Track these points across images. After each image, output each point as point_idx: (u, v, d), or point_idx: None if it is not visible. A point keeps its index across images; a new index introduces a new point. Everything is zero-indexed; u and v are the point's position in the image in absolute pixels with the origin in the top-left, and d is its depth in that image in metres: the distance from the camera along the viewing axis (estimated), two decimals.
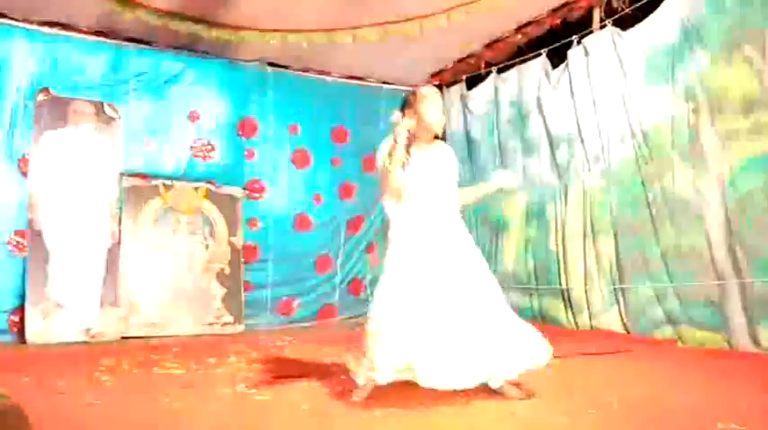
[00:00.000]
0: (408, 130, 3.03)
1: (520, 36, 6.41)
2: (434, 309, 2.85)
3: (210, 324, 6.15)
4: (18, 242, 5.52)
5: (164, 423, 2.60)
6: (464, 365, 2.77)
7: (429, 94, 3.12)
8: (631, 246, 5.27)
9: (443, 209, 3.12)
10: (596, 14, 5.72)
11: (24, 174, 5.60)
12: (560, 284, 5.93)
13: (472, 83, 7.26)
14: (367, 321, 2.98)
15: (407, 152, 3.02)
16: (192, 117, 6.47)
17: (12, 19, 5.65)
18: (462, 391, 2.83)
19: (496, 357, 2.87)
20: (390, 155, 2.99)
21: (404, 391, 2.86)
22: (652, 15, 5.13)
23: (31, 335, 5.30)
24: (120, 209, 5.94)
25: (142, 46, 6.25)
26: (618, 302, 5.37)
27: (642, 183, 5.17)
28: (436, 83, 7.66)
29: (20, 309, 5.41)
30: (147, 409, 2.83)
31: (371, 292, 3.17)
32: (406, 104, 3.12)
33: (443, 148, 3.21)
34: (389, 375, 2.76)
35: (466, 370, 2.77)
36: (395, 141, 3.00)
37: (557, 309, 5.98)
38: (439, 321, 2.83)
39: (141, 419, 2.66)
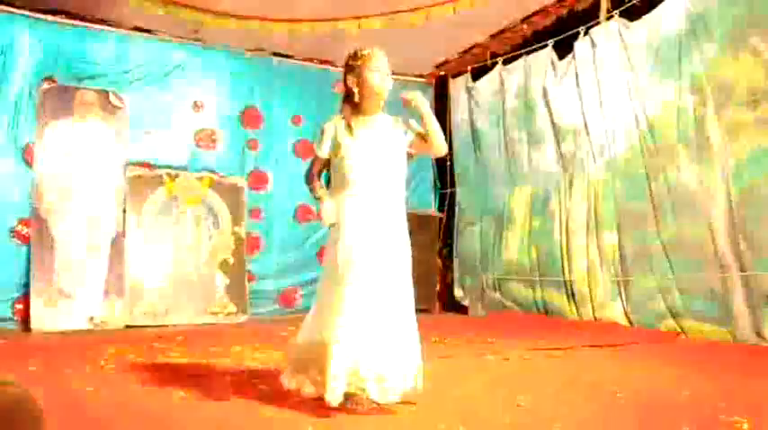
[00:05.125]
0: (350, 102, 2.72)
1: (526, 27, 6.37)
2: (378, 317, 2.56)
3: (214, 313, 6.16)
4: (23, 230, 5.54)
5: (169, 412, 2.61)
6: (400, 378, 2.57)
7: (373, 54, 2.70)
8: (635, 238, 5.26)
9: (391, 199, 2.70)
10: (603, 5, 5.68)
11: (29, 162, 5.60)
12: (564, 276, 5.93)
13: (478, 74, 7.23)
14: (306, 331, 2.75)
15: (349, 128, 2.68)
16: (196, 107, 6.46)
17: (16, 7, 5.64)
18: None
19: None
20: (322, 133, 2.73)
21: None
22: (659, 6, 5.10)
23: (36, 323, 5.32)
24: (125, 198, 5.95)
25: (146, 35, 6.24)
26: (621, 294, 5.37)
27: (647, 175, 5.16)
28: (442, 74, 7.64)
29: (24, 297, 5.43)
30: (153, 398, 2.84)
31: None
32: (348, 69, 2.73)
33: (389, 121, 2.78)
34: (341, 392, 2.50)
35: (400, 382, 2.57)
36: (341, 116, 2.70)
37: (560, 300, 5.97)
38: (381, 331, 2.56)
39: (147, 408, 2.67)
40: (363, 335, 2.52)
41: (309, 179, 2.85)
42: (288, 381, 2.75)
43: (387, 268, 2.62)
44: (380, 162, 2.69)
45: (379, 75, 2.69)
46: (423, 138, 2.78)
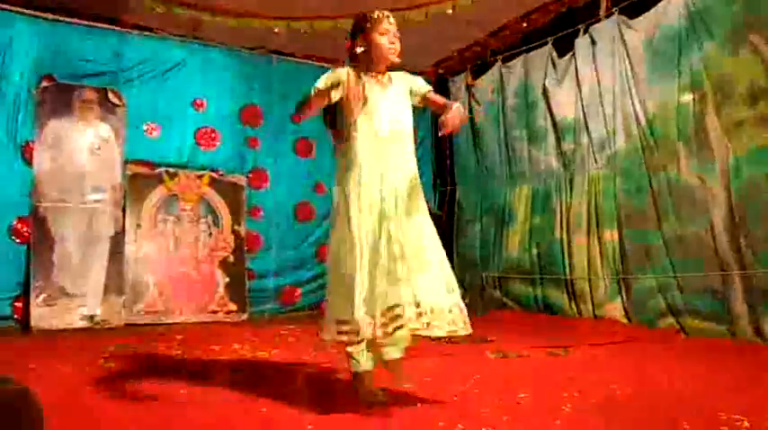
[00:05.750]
0: (358, 64, 2.68)
1: (526, 24, 6.37)
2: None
3: (214, 312, 6.16)
4: (22, 229, 5.53)
5: (169, 410, 2.61)
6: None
7: (384, 18, 2.69)
8: (635, 236, 5.26)
9: (405, 156, 2.70)
10: (603, 2, 5.68)
11: (28, 160, 5.60)
12: (564, 274, 5.93)
13: (478, 72, 7.23)
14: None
15: (360, 82, 2.64)
16: (196, 105, 6.46)
17: (15, 5, 5.63)
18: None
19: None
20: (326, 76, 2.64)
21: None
22: (658, 4, 5.09)
23: (35, 321, 5.32)
24: (124, 196, 5.94)
25: (146, 33, 6.23)
26: (621, 292, 5.37)
27: (647, 172, 5.15)
28: (441, 71, 7.64)
29: (23, 296, 5.42)
30: (153, 397, 2.83)
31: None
32: (356, 31, 2.73)
33: (403, 78, 2.79)
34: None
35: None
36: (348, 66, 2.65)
37: (560, 298, 5.97)
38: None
39: (147, 406, 2.67)
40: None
41: (308, 102, 2.69)
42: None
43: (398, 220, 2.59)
44: (392, 120, 2.68)
45: (387, 38, 2.70)
46: (431, 100, 2.79)
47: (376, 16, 2.70)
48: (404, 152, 2.71)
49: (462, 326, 2.54)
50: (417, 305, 2.46)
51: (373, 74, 2.72)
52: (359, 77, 2.68)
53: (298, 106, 2.77)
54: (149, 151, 6.16)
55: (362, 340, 2.56)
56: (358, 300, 2.45)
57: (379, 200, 2.60)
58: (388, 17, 2.70)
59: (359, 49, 2.70)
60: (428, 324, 2.47)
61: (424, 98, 2.81)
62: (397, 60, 2.72)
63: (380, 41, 2.68)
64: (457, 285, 2.63)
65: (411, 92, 2.81)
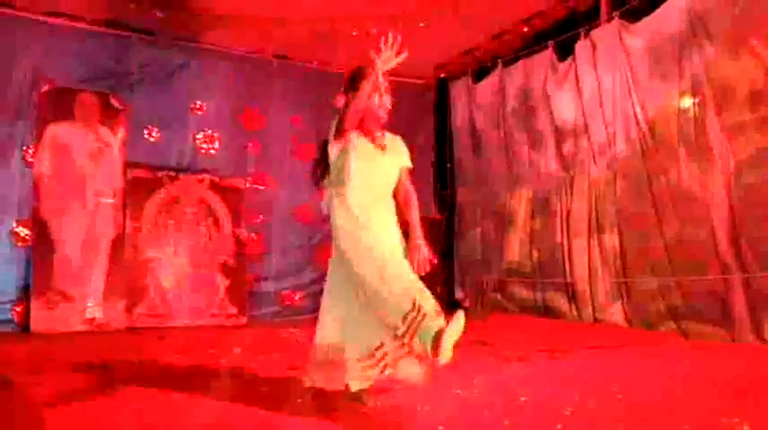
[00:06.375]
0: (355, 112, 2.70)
1: (526, 28, 6.37)
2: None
3: (214, 315, 6.16)
4: (23, 232, 5.54)
5: (169, 413, 2.60)
6: None
7: (375, 73, 2.68)
8: (636, 240, 5.26)
9: (384, 202, 2.78)
10: (603, 6, 5.68)
11: (29, 164, 5.61)
12: (564, 277, 5.92)
13: (478, 75, 7.24)
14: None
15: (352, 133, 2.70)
16: (197, 108, 6.46)
17: (17, 9, 5.64)
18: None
19: None
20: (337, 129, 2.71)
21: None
22: (659, 8, 5.09)
23: (36, 325, 5.32)
24: (125, 200, 5.94)
25: (147, 37, 6.24)
26: (622, 296, 5.36)
27: (648, 176, 5.15)
28: (442, 75, 7.65)
29: (24, 299, 5.43)
30: (154, 400, 2.83)
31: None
32: (348, 86, 2.79)
33: (398, 145, 2.87)
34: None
35: None
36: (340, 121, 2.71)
37: (560, 302, 5.97)
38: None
39: (147, 409, 2.67)
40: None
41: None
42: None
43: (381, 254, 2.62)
44: (383, 174, 2.76)
45: (378, 95, 2.75)
46: (403, 178, 2.84)
47: (368, 72, 2.71)
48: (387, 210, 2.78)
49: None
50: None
51: (366, 131, 2.77)
52: (358, 134, 2.74)
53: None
54: (150, 155, 6.17)
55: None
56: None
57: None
58: (379, 73, 2.69)
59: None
60: None
61: (401, 171, 2.84)
62: (383, 116, 2.79)
63: (373, 97, 2.72)
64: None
65: (400, 162, 2.85)
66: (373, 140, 2.78)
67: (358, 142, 2.72)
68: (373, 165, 2.74)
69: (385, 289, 2.50)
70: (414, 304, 2.44)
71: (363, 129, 2.78)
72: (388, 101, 2.80)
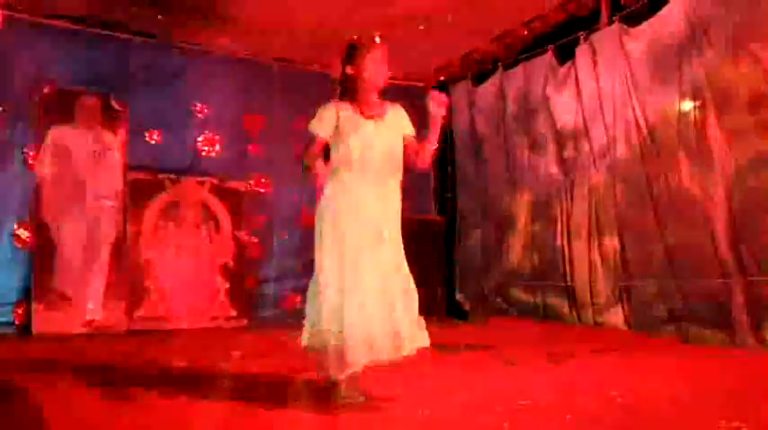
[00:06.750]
0: (347, 89, 2.76)
1: (526, 32, 6.38)
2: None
3: (215, 318, 6.16)
4: (23, 234, 5.54)
5: (170, 416, 2.61)
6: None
7: (374, 43, 2.73)
8: (636, 243, 5.26)
9: (389, 183, 2.76)
10: (603, 10, 5.69)
11: (30, 166, 5.61)
12: (565, 281, 5.92)
13: (479, 79, 7.24)
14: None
15: (351, 113, 2.73)
16: (198, 112, 6.48)
17: (17, 12, 5.65)
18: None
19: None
20: (321, 116, 2.74)
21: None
22: (659, 12, 5.10)
23: (36, 327, 5.32)
24: (126, 202, 5.95)
25: (148, 40, 6.25)
26: (622, 299, 5.36)
27: (648, 180, 5.15)
28: (442, 78, 7.65)
29: (25, 301, 5.43)
30: (154, 403, 2.83)
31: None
32: (347, 56, 2.78)
33: (389, 108, 2.83)
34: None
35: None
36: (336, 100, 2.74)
37: (561, 305, 5.97)
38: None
39: (148, 412, 2.67)
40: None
41: (310, 159, 2.79)
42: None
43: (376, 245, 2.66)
44: (381, 146, 2.74)
45: (378, 63, 2.74)
46: (410, 143, 2.83)
47: (367, 42, 2.75)
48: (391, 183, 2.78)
49: None
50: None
51: (363, 102, 2.77)
52: (348, 108, 2.74)
53: (304, 166, 2.83)
54: (151, 157, 6.18)
55: None
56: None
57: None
58: (378, 43, 2.74)
59: (351, 74, 2.75)
60: None
61: (407, 139, 2.84)
62: (381, 86, 2.78)
63: (371, 67, 2.73)
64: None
65: (402, 128, 2.85)
66: (370, 111, 2.75)
67: (350, 118, 2.72)
68: (367, 140, 2.71)
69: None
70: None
71: (360, 99, 2.76)
72: (386, 72, 2.77)
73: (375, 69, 2.74)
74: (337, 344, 2.58)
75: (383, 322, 2.61)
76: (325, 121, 2.75)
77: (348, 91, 2.78)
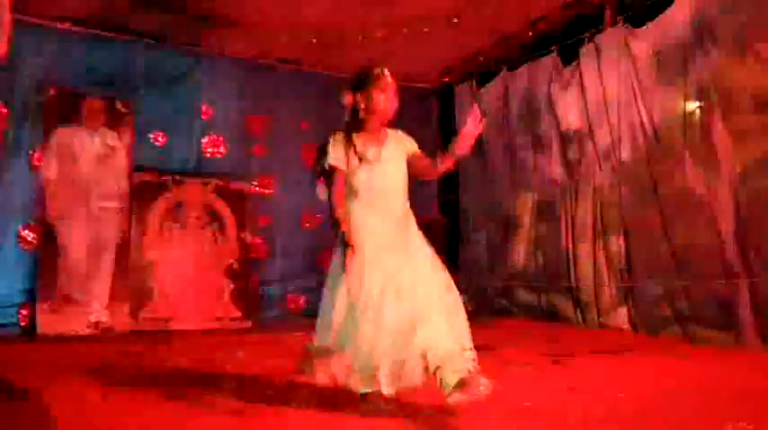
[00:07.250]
0: (356, 119, 2.76)
1: (531, 33, 6.38)
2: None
3: (219, 318, 6.17)
4: (29, 236, 5.56)
5: (174, 417, 2.61)
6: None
7: (382, 75, 2.74)
8: (641, 245, 5.25)
9: (398, 209, 2.76)
10: (608, 11, 5.69)
11: (35, 168, 5.63)
12: (569, 282, 5.91)
13: (483, 79, 7.24)
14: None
15: (354, 145, 2.72)
16: (203, 113, 6.49)
17: (22, 14, 5.66)
18: None
19: None
20: (333, 149, 2.73)
21: None
22: (664, 13, 5.09)
23: (41, 328, 5.33)
24: (131, 204, 5.96)
25: (153, 42, 6.27)
26: (627, 300, 5.35)
27: (653, 180, 5.14)
28: (446, 79, 7.65)
29: (30, 303, 5.44)
30: (158, 404, 2.84)
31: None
32: (356, 86, 2.78)
33: (392, 136, 2.83)
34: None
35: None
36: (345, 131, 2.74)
37: (565, 306, 5.96)
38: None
39: (152, 413, 2.68)
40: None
41: (337, 199, 2.75)
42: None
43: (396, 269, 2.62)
44: (387, 176, 2.76)
45: (386, 96, 2.76)
46: (419, 159, 2.85)
47: (377, 73, 2.76)
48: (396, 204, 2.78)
49: None
50: None
51: (369, 131, 2.78)
52: (353, 138, 2.75)
53: (333, 201, 2.76)
54: (156, 159, 6.19)
55: None
56: None
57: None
58: (387, 75, 2.76)
59: (360, 105, 2.76)
60: None
61: (414, 156, 2.85)
62: (390, 117, 2.80)
63: (380, 99, 2.74)
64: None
65: (406, 151, 2.85)
66: (375, 140, 2.77)
67: (356, 148, 2.73)
68: (373, 170, 2.73)
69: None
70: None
71: (367, 128, 2.78)
72: (395, 103, 2.79)
73: (386, 101, 2.76)
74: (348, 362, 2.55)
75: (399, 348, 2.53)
76: (339, 153, 2.75)
77: (357, 120, 2.79)
